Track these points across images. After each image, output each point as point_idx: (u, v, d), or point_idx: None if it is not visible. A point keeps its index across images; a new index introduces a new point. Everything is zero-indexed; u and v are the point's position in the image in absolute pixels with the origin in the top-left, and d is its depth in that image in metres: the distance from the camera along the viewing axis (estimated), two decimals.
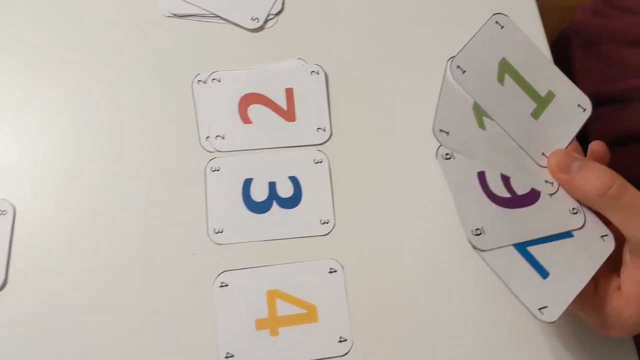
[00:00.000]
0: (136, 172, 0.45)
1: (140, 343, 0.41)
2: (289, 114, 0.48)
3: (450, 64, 0.36)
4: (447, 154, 0.35)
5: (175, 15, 0.50)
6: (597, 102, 0.57)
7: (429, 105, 0.46)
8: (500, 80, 0.37)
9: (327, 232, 0.44)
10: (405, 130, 0.47)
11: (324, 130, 0.47)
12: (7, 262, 0.42)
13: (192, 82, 0.48)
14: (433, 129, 0.34)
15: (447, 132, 0.35)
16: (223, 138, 0.47)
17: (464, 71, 0.36)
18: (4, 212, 0.43)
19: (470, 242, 0.33)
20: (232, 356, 0.41)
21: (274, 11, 0.50)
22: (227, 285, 0.42)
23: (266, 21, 0.50)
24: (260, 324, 0.42)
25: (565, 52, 0.64)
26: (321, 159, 0.46)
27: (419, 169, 0.46)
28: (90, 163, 0.45)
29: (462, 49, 0.36)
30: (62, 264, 0.42)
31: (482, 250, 0.34)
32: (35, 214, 0.43)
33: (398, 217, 0.45)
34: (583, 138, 0.40)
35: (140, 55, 0.49)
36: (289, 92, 0.48)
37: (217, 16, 0.50)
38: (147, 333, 0.41)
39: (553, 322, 0.34)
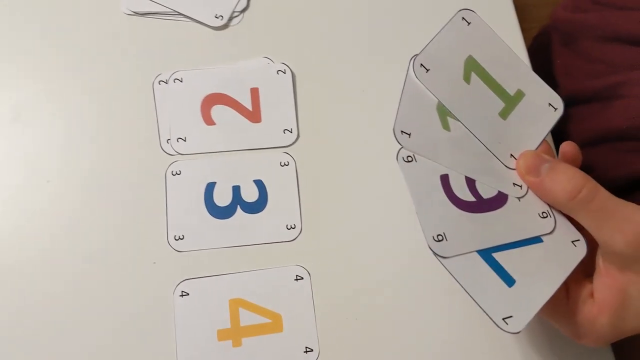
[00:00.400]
0: (93, 175, 0.43)
1: (100, 353, 0.39)
2: (254, 115, 0.46)
3: (413, 62, 0.34)
4: (408, 156, 0.33)
5: (137, 13, 0.48)
6: (576, 100, 0.55)
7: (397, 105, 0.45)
8: (467, 79, 0.36)
9: (293, 238, 0.43)
10: (374, 131, 0.45)
11: (291, 132, 0.46)
12: None
13: (153, 82, 0.46)
14: (394, 130, 0.32)
15: (409, 134, 0.33)
16: (185, 140, 0.45)
17: (428, 70, 0.34)
18: None
19: (430, 248, 0.32)
20: None
21: (239, 8, 0.48)
22: (187, 294, 0.41)
23: (231, 19, 0.48)
24: (222, 335, 0.40)
25: (546, 49, 0.62)
26: (288, 162, 0.45)
27: (388, 172, 0.44)
28: (46, 166, 0.43)
29: (425, 47, 0.34)
30: (21, 271, 0.41)
31: (443, 257, 0.32)
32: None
33: (367, 222, 0.43)
34: (560, 139, 0.39)
35: (100, 54, 0.47)
36: (255, 92, 0.46)
37: (180, 14, 0.48)
38: (105, 342, 0.39)
39: (517, 332, 0.32)
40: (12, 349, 0.39)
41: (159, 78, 0.46)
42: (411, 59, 0.34)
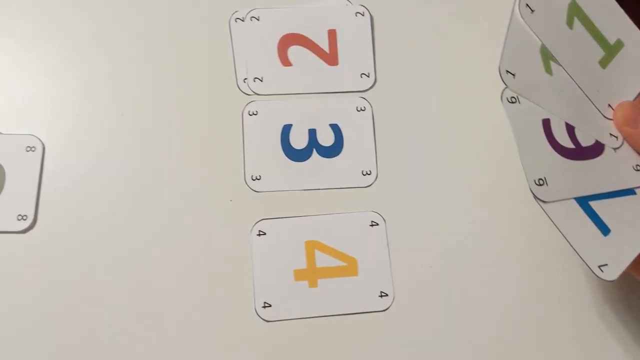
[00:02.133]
0: (170, 113, 0.43)
1: (174, 288, 0.39)
2: (331, 58, 0.45)
3: (519, 2, 0.33)
4: (512, 97, 0.32)
5: None
6: None
7: (483, 53, 0.44)
8: (569, 23, 0.34)
9: (369, 184, 0.42)
10: (455, 80, 0.44)
11: (368, 76, 0.45)
12: (36, 200, 0.40)
13: (230, 20, 0.45)
14: (499, 69, 0.32)
15: (514, 74, 0.32)
16: (261, 80, 0.44)
17: (533, 10, 0.33)
18: (33, 149, 0.41)
19: (532, 191, 0.31)
20: (269, 306, 0.39)
21: None
22: (264, 234, 0.41)
23: None
24: (299, 275, 0.40)
25: None
26: (364, 107, 0.44)
27: (469, 121, 0.43)
28: (122, 101, 0.43)
29: None
30: (93, 206, 0.41)
31: (544, 202, 0.32)
32: (66, 153, 0.42)
33: (444, 172, 0.43)
34: None
35: None
36: (332, 34, 0.45)
37: None
38: (181, 279, 0.39)
39: (612, 280, 0.32)
40: (90, 272, 0.39)
41: (236, 15, 0.45)
42: None
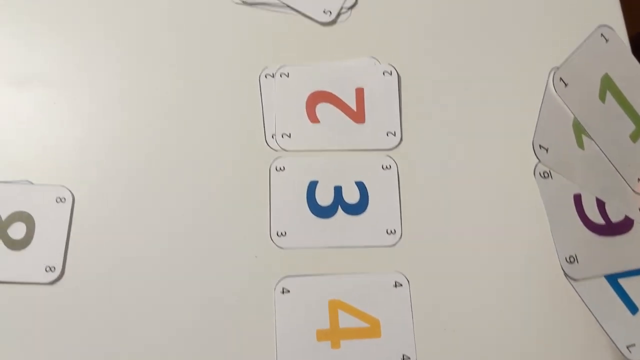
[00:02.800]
0: (198, 166, 0.44)
1: (198, 342, 0.39)
2: (358, 115, 0.45)
3: (554, 76, 0.33)
4: (545, 172, 0.32)
5: (245, 3, 0.48)
6: None
7: (508, 114, 0.44)
8: (602, 97, 0.35)
9: (393, 243, 0.42)
10: (482, 139, 0.45)
11: (394, 135, 0.45)
12: (64, 252, 0.40)
13: (260, 75, 0.46)
14: (533, 143, 0.32)
15: (547, 149, 0.32)
16: (289, 136, 0.45)
17: (567, 84, 0.34)
18: (63, 200, 0.42)
19: (563, 269, 0.31)
20: None
21: (348, 5, 0.48)
22: (288, 292, 0.41)
23: (339, 15, 0.48)
24: (321, 335, 0.40)
25: None
26: (390, 165, 0.44)
27: (494, 182, 0.43)
28: (153, 154, 0.44)
29: (566, 60, 0.34)
30: (120, 257, 0.41)
31: (574, 280, 0.32)
32: (95, 204, 0.42)
33: (470, 232, 0.42)
34: None
35: (207, 43, 0.47)
36: (359, 92, 0.46)
37: (289, 7, 0.48)
38: (204, 333, 0.40)
39: None
40: (116, 326, 0.39)
41: (266, 71, 0.46)
42: (551, 71, 0.33)
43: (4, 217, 0.41)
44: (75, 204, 0.42)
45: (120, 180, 0.43)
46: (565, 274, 0.31)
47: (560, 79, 0.33)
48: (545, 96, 0.33)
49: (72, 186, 0.42)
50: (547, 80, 0.33)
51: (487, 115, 0.45)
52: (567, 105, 0.34)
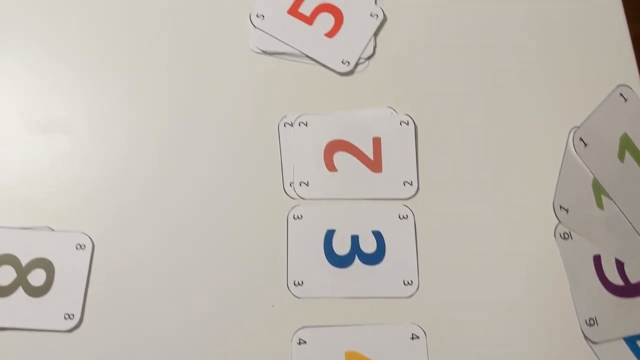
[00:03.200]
0: (217, 214, 0.44)
1: None
2: (375, 165, 0.46)
3: (574, 135, 0.34)
4: (565, 233, 0.33)
5: (265, 52, 0.49)
6: None
7: (526, 166, 0.45)
8: (621, 157, 0.35)
9: (410, 294, 0.42)
10: (498, 192, 0.45)
11: (411, 185, 0.45)
12: (83, 299, 0.41)
13: (279, 124, 0.47)
14: (553, 204, 0.32)
15: (567, 210, 0.33)
16: (307, 185, 0.45)
17: (586, 144, 0.34)
18: (83, 247, 0.42)
19: (583, 332, 0.32)
20: None
21: (365, 55, 0.49)
22: (305, 343, 0.41)
23: (357, 65, 0.48)
24: None
25: None
26: (407, 215, 0.45)
27: (511, 234, 0.43)
28: (171, 202, 0.44)
29: (585, 120, 0.34)
30: (139, 305, 0.41)
31: (594, 343, 0.32)
32: (115, 250, 0.42)
33: (488, 284, 0.43)
34: None
35: (228, 91, 0.47)
36: (377, 142, 0.47)
37: (307, 56, 0.48)
38: None
39: None
40: None
41: (285, 120, 0.47)
42: (570, 131, 0.34)
43: (24, 264, 0.41)
44: (95, 251, 0.42)
45: (140, 227, 0.43)
46: (585, 337, 0.31)
47: (580, 138, 0.34)
48: (566, 156, 0.34)
49: (92, 232, 0.43)
50: (567, 140, 0.34)
51: (504, 168, 0.45)
52: (586, 165, 0.34)
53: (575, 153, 0.33)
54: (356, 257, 0.43)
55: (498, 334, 0.41)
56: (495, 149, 0.46)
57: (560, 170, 0.33)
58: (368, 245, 0.44)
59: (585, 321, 0.31)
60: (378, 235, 0.44)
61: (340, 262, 0.43)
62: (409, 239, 0.44)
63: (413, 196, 0.45)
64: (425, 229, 0.44)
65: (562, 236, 0.32)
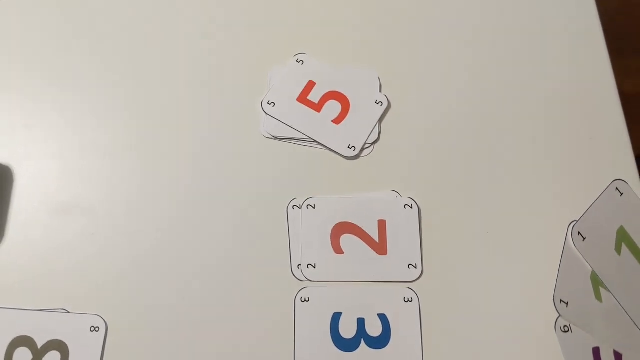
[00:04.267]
0: (226, 296, 0.45)
1: None
2: (380, 247, 0.47)
3: (572, 229, 0.35)
4: (565, 326, 0.34)
5: (275, 138, 0.51)
6: None
7: (528, 255, 0.46)
8: (618, 250, 0.36)
9: None
10: (501, 280, 0.46)
11: (415, 267, 0.47)
12: None
13: (288, 207, 0.48)
14: (553, 299, 0.33)
15: (567, 303, 0.34)
16: (314, 267, 0.46)
17: (585, 238, 0.35)
18: (97, 329, 0.43)
19: None
20: None
21: (371, 140, 0.51)
22: None
23: (362, 150, 0.51)
24: None
25: None
26: (411, 298, 0.46)
27: (518, 317, 0.44)
28: (183, 285, 0.46)
29: (584, 215, 0.36)
30: None
31: None
32: (128, 333, 0.44)
33: None
34: None
35: (239, 173, 0.50)
36: (382, 224, 0.48)
37: (316, 142, 0.51)
38: None
39: None
40: None
41: (293, 203, 0.48)
42: (569, 225, 0.35)
43: (39, 345, 0.43)
44: (108, 332, 0.43)
45: (153, 310, 0.45)
46: None
47: (579, 232, 0.35)
48: (565, 250, 0.35)
49: (106, 315, 0.44)
50: (567, 234, 0.35)
51: (506, 255, 0.47)
52: (585, 259, 0.35)
53: (574, 247, 0.35)
54: (362, 340, 0.44)
55: None
56: (497, 235, 0.47)
57: (560, 264, 0.34)
58: (374, 329, 0.45)
59: None
60: (384, 319, 0.45)
61: (347, 346, 0.44)
62: (414, 322, 0.45)
63: (417, 279, 0.46)
64: (430, 312, 0.45)
65: (563, 329, 0.33)
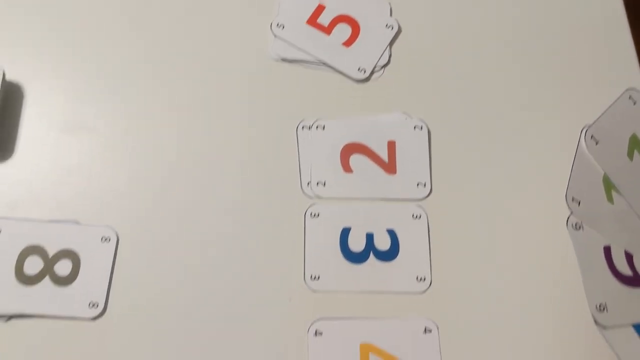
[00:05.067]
0: (236, 212, 0.46)
1: None
2: (389, 167, 0.48)
3: (585, 133, 0.35)
4: (576, 223, 0.34)
5: (285, 60, 0.51)
6: None
7: (539, 167, 0.46)
8: (630, 155, 0.37)
9: (423, 290, 0.44)
10: (510, 191, 0.46)
11: (424, 186, 0.47)
12: (107, 289, 0.42)
13: (297, 127, 0.48)
14: (566, 196, 0.34)
15: (579, 202, 0.34)
16: (324, 185, 0.47)
17: (597, 142, 0.36)
18: (107, 239, 0.44)
19: (593, 316, 0.33)
20: None
21: (381, 63, 0.51)
22: (321, 334, 0.42)
23: (372, 72, 0.51)
24: None
25: None
26: (420, 214, 0.46)
27: (522, 232, 0.45)
28: (194, 200, 0.46)
29: (596, 120, 0.36)
30: (160, 296, 0.43)
31: (604, 327, 0.33)
32: (138, 243, 0.44)
33: (498, 281, 0.44)
34: None
35: (248, 96, 0.50)
36: (391, 145, 0.48)
37: (325, 64, 0.51)
38: None
39: None
40: None
41: (302, 123, 0.49)
42: (582, 129, 0.36)
43: (51, 254, 0.43)
44: (119, 243, 0.44)
45: (163, 222, 0.45)
46: (596, 321, 0.32)
47: (592, 136, 0.36)
48: (578, 152, 0.35)
49: (117, 226, 0.44)
50: (580, 137, 0.35)
51: (516, 168, 0.47)
52: (597, 162, 0.36)
53: (586, 150, 0.35)
54: (371, 253, 0.45)
55: (509, 327, 0.42)
56: (506, 149, 0.48)
57: (572, 166, 0.34)
58: (382, 243, 0.45)
59: (596, 306, 0.33)
60: (392, 234, 0.46)
61: (356, 258, 0.45)
62: (422, 237, 0.45)
63: (426, 197, 0.47)
64: (438, 228, 0.46)
65: (574, 227, 0.34)
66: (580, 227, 0.34)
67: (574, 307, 0.39)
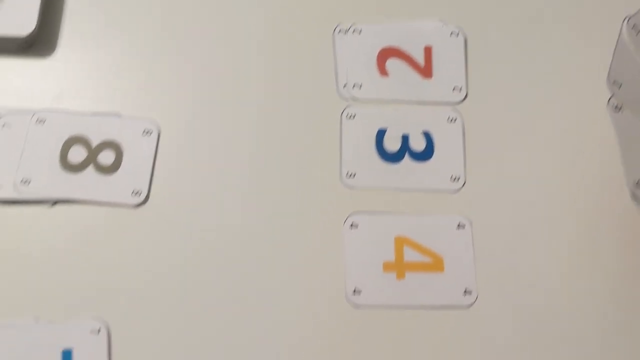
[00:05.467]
0: (274, 113, 0.46)
1: (269, 274, 0.42)
2: (425, 71, 0.48)
3: (627, 23, 0.35)
4: (617, 105, 0.35)
5: None
6: None
7: (574, 69, 0.46)
8: None
9: (457, 189, 0.45)
10: (544, 95, 0.47)
11: (460, 90, 0.47)
12: (150, 179, 0.43)
13: (334, 32, 0.49)
14: (607, 78, 0.34)
15: (620, 85, 0.34)
16: (360, 87, 0.47)
17: (639, 32, 0.36)
18: (150, 132, 0.45)
19: (631, 191, 0.33)
20: (359, 292, 0.41)
21: None
22: (357, 227, 0.43)
23: None
24: (387, 267, 0.42)
25: None
26: (455, 118, 0.47)
27: (559, 136, 0.45)
28: (228, 105, 0.46)
29: (639, 10, 0.36)
30: (201, 186, 0.44)
31: None
32: (180, 137, 0.45)
33: (531, 182, 0.45)
34: None
35: (288, 1, 0.50)
36: (428, 50, 0.49)
37: None
38: (276, 264, 0.42)
39: None
40: (196, 250, 0.42)
41: (339, 27, 0.49)
42: (624, 19, 0.36)
43: (94, 145, 0.44)
44: (161, 136, 0.45)
45: (205, 115, 0.46)
46: (633, 195, 0.33)
47: (634, 26, 0.36)
48: (619, 41, 0.35)
49: (160, 119, 0.45)
50: (621, 27, 0.35)
51: (550, 72, 0.47)
52: (638, 51, 0.36)
53: (628, 40, 0.35)
54: (406, 153, 0.46)
55: (542, 221, 0.43)
56: (541, 54, 0.48)
57: (614, 52, 0.35)
58: (418, 144, 0.46)
59: (634, 182, 0.33)
60: (427, 136, 0.46)
61: (391, 157, 0.45)
62: (457, 139, 0.46)
63: (462, 101, 0.47)
64: (473, 131, 0.46)
65: (614, 109, 0.34)
66: (620, 109, 0.34)
67: (610, 191, 0.40)
